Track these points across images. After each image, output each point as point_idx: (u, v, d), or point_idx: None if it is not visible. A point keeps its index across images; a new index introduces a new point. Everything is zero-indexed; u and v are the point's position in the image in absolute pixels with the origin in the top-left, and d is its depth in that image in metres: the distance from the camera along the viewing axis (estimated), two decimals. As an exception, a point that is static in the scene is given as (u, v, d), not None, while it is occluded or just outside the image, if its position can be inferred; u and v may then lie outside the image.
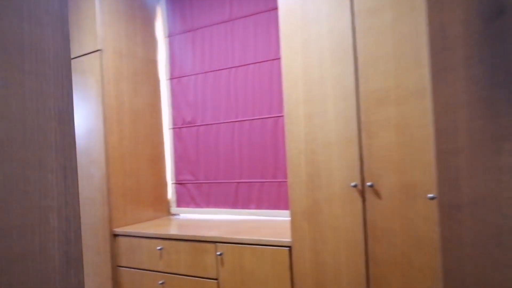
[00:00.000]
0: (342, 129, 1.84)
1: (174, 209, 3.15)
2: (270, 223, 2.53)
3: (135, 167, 2.91)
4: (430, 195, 1.58)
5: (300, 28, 1.96)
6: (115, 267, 2.69)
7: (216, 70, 2.94)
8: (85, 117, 2.81)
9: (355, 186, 1.78)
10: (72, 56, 2.89)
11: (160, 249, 2.49)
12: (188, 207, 3.09)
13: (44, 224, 0.50)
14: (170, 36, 3.16)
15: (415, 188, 1.64)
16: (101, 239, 2.74)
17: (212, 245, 2.28)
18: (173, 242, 2.43)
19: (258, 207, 2.79)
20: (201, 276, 2.32)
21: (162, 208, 3.11)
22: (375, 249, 1.73)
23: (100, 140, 2.73)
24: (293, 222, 1.99)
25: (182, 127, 3.10)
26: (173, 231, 2.49)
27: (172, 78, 3.15)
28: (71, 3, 2.87)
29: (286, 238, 2.04)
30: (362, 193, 1.78)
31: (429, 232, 1.60)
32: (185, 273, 2.38)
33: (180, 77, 3.11)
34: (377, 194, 1.73)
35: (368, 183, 1.75)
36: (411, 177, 1.66)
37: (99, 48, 2.72)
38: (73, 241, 0.53)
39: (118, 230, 2.68)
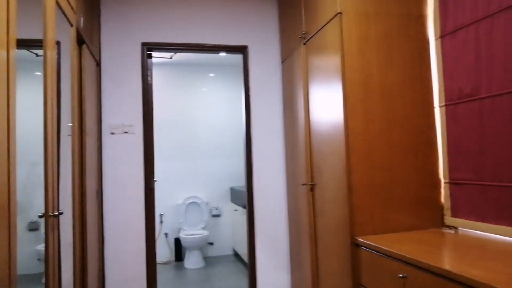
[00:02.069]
0: None
1: (449, 219, 2.23)
2: None
3: (388, 159, 2.21)
4: None
5: None
6: (358, 285, 2.12)
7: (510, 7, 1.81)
8: (327, 100, 2.37)
9: None
10: (314, 32, 2.50)
11: (402, 277, 1.73)
12: (468, 219, 2.09)
13: None
14: (441, -25, 2.23)
15: None
16: (342, 246, 2.24)
17: (473, 294, 1.34)
18: (419, 272, 1.62)
19: None
20: None
21: (430, 216, 2.26)
22: None
23: (340, 124, 2.21)
24: None
25: (458, 103, 2.13)
26: (423, 254, 1.67)
27: (443, 35, 2.22)
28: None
29: None
30: None
31: None
32: (433, 326, 1.53)
33: (455, 30, 2.14)
34: None
35: None
36: None
37: (338, 11, 2.21)
38: None
39: (361, 239, 2.09)
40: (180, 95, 5.26)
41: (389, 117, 2.22)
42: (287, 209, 3.25)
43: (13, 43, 1.12)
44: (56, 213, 1.47)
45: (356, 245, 2.13)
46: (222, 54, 4.75)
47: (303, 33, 2.72)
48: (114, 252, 2.90)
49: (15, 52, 1.14)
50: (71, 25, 1.91)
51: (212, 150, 5.31)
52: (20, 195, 1.46)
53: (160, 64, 5.16)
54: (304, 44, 2.73)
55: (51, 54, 1.53)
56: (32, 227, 2.22)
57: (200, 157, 5.25)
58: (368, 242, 2.00)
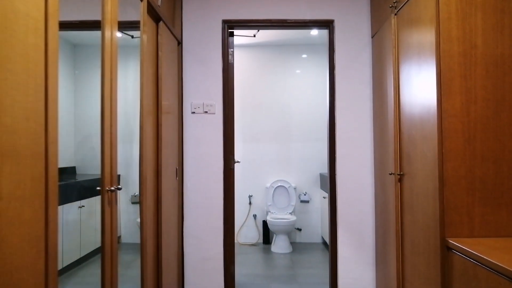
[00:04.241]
0: None
1: None
2: None
3: (494, 147, 1.82)
4: None
5: None
6: (446, 294, 1.80)
7: None
8: (418, 77, 2.03)
9: None
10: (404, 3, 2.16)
11: (501, 294, 1.39)
12: None
13: None
14: None
15: None
16: (430, 248, 1.93)
17: None
18: (523, 291, 1.28)
19: None
20: None
21: (550, 221, 1.81)
22: None
23: (432, 105, 1.88)
24: None
25: None
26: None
27: None
28: None
29: None
30: None
31: None
32: None
33: None
34: None
35: None
36: None
37: (435, -30, 1.85)
38: None
39: (454, 242, 1.76)
40: (272, 77, 5.16)
41: (497, 97, 1.81)
42: (374, 200, 2.96)
43: (54, 27, 1.10)
44: (112, 188, 1.48)
45: (447, 248, 1.81)
46: (314, 33, 4.52)
47: (394, 2, 2.37)
48: (193, 231, 2.95)
49: (58, 36, 1.12)
50: (141, 0, 1.91)
51: (304, 134, 5.14)
52: (122, 171, 1.52)
53: (251, 46, 5.11)
54: (395, 14, 2.38)
55: (111, 31, 1.52)
56: (134, 201, 2.32)
57: (291, 140, 5.13)
58: (462, 247, 1.67)
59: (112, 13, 1.54)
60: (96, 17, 1.56)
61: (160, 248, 2.31)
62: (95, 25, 1.56)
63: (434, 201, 1.87)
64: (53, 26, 1.09)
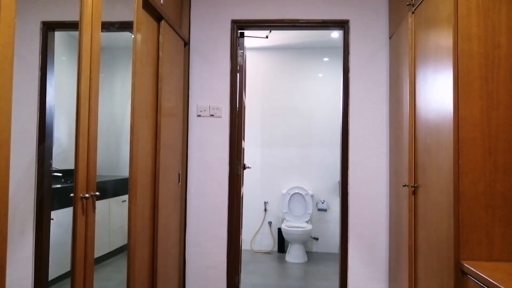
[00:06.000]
0: None
1: None
2: None
3: (519, 161, 1.61)
4: None
5: None
6: (460, 324, 1.60)
7: None
8: (435, 80, 1.84)
9: None
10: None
11: (519, 332, 1.19)
12: None
13: None
14: None
15: None
16: (444, 270, 1.73)
17: None
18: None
19: None
20: None
21: None
22: None
23: (448, 111, 1.69)
24: None
25: None
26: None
27: None
28: None
29: None
30: None
31: None
32: None
33: None
34: None
35: None
36: None
37: (454, -39, 1.66)
38: None
39: (470, 266, 1.56)
40: (292, 80, 5.01)
41: (524, 102, 1.60)
42: (389, 212, 2.75)
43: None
44: (87, 195, 1.37)
45: (462, 272, 1.61)
46: (334, 35, 4.34)
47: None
48: (195, 238, 2.84)
49: (14, 17, 1.03)
50: (134, -3, 1.82)
51: (323, 140, 4.95)
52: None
53: (271, 48, 4.98)
54: (413, 13, 2.19)
55: (91, 29, 1.42)
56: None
57: (310, 146, 4.95)
58: (478, 273, 1.47)
59: (95, 11, 1.45)
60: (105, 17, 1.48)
61: (156, 255, 2.21)
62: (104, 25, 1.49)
63: (448, 218, 1.68)
64: (8, 5, 1.00)
